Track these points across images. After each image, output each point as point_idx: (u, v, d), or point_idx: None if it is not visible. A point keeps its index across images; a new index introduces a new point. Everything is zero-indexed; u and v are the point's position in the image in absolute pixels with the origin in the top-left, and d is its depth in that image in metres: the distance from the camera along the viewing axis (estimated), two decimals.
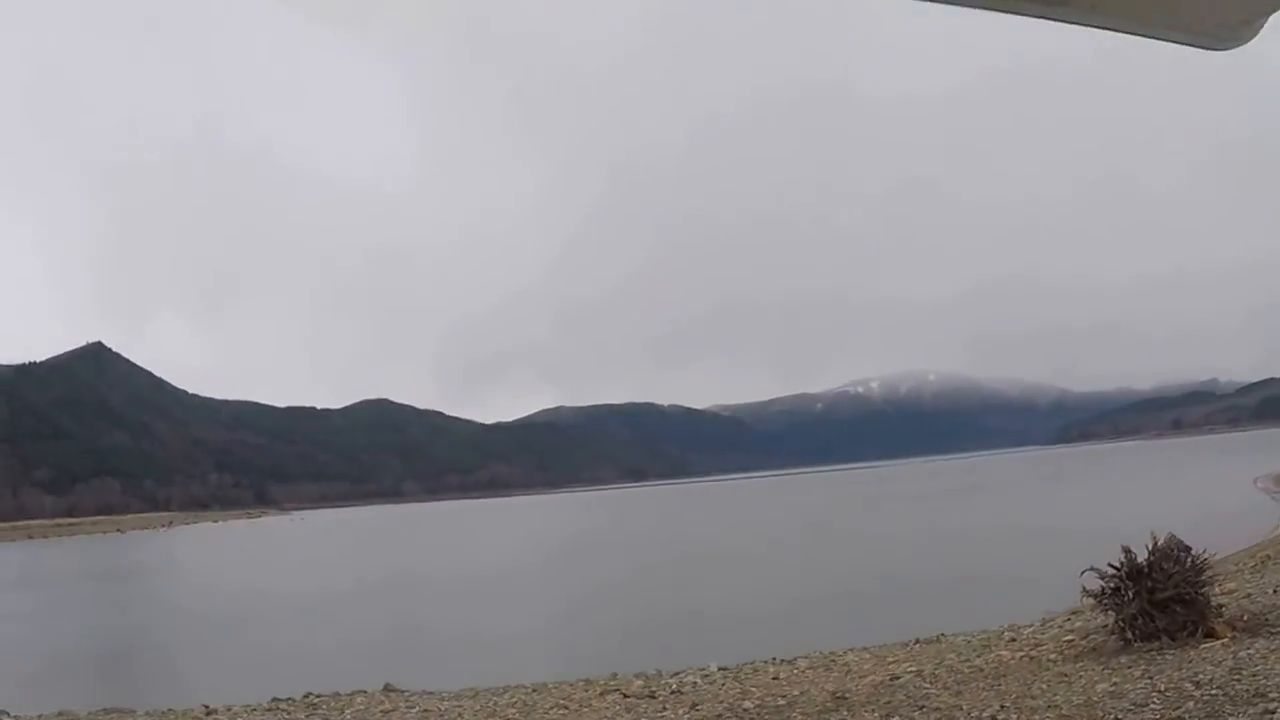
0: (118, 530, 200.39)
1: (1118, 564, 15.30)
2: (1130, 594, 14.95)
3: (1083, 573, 15.49)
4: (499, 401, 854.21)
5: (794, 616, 31.11)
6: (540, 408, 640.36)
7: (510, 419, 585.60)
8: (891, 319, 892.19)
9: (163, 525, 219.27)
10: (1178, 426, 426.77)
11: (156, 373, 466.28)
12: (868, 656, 19.46)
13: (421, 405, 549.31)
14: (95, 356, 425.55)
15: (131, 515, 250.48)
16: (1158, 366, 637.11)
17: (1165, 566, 14.92)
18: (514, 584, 50.47)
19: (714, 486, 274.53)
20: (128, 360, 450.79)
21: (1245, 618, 15.29)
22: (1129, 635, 14.95)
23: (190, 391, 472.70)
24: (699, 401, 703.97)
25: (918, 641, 20.61)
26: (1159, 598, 14.67)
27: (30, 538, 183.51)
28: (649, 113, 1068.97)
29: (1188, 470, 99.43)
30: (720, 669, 19.42)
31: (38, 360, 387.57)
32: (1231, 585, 18.30)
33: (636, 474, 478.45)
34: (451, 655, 29.45)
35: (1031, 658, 15.99)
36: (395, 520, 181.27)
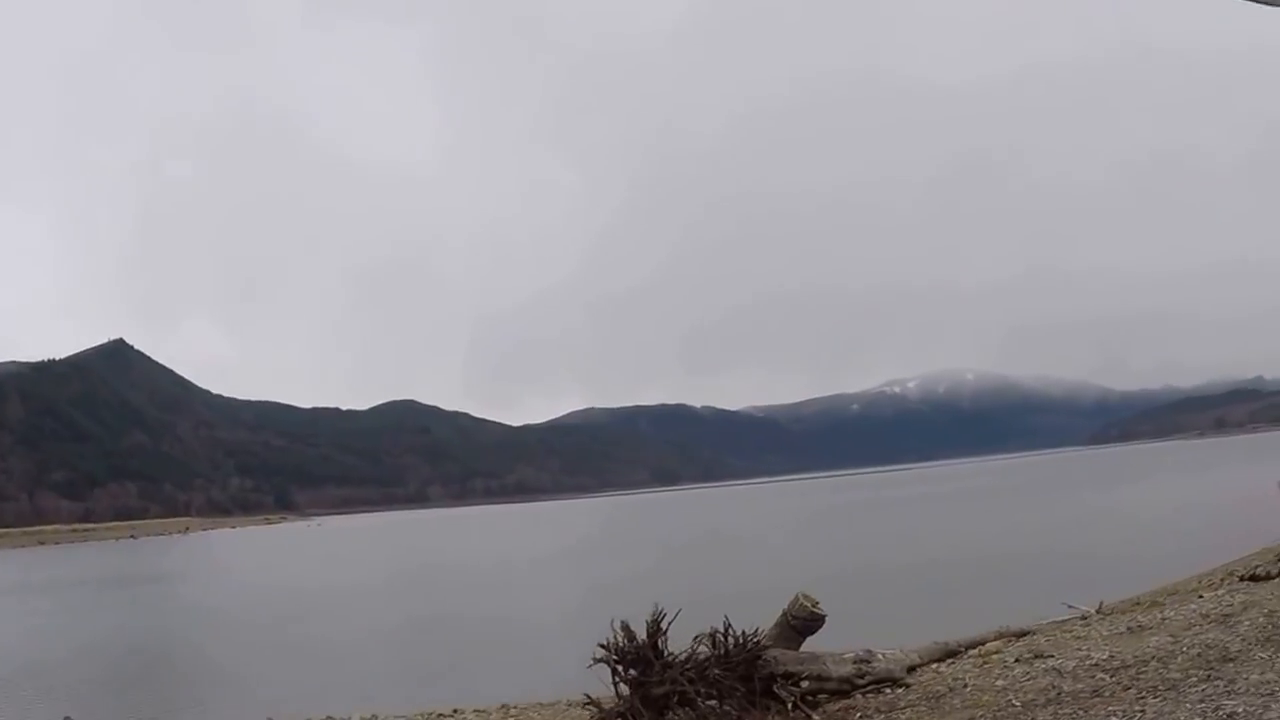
0: (131, 536, 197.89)
1: (610, 644, 12.59)
2: (624, 682, 12.47)
3: (593, 663, 12.61)
4: (528, 402, 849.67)
5: None
6: (570, 409, 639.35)
7: (539, 421, 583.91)
8: (930, 311, 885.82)
9: (178, 531, 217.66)
10: (1221, 425, 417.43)
11: (179, 371, 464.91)
12: None
13: (449, 406, 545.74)
14: (117, 354, 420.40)
15: (148, 520, 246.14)
16: (1203, 362, 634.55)
17: (673, 652, 12.47)
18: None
19: (750, 490, 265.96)
20: (149, 358, 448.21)
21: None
22: None
23: (214, 391, 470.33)
24: (733, 403, 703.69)
25: None
26: (655, 694, 12.20)
27: (42, 543, 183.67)
28: (686, 104, 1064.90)
29: (1215, 473, 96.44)
30: None
31: (58, 358, 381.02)
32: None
33: (669, 477, 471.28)
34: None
35: None
36: (416, 528, 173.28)
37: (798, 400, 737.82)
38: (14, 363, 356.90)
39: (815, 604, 13.54)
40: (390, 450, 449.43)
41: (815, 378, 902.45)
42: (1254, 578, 19.23)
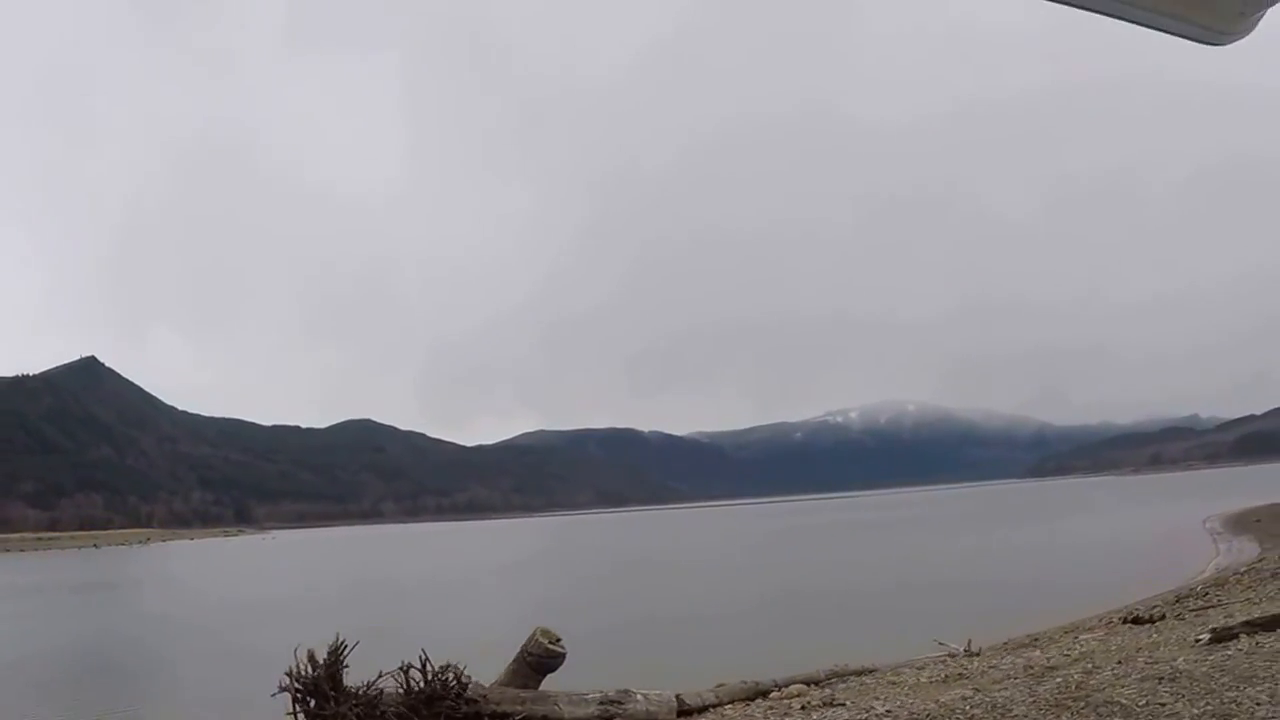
0: (94, 545, 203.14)
1: (293, 672, 12.27)
2: (305, 713, 12.07)
3: (277, 691, 12.35)
4: (481, 424, 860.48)
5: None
6: (521, 431, 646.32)
7: (491, 441, 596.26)
8: (872, 343, 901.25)
9: (139, 541, 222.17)
10: (1157, 462, 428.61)
11: (147, 388, 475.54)
12: None
13: (404, 426, 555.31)
14: (88, 370, 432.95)
15: (111, 531, 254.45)
16: (1140, 398, 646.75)
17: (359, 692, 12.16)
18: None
19: (693, 513, 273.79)
20: (119, 375, 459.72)
21: None
22: None
23: (179, 408, 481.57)
24: (680, 428, 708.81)
25: None
26: None
27: (6, 551, 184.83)
28: (637, 137, 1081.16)
29: (1147, 508, 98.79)
30: None
31: (31, 373, 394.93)
32: None
33: (616, 499, 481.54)
34: None
35: None
36: (366, 541, 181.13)
37: (743, 427, 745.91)
38: None
39: (554, 640, 13.28)
40: (346, 467, 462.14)
41: (760, 406, 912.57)
42: (1135, 620, 20.16)
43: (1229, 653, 12.76)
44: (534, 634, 13.29)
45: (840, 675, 16.61)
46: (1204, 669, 11.66)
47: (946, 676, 14.91)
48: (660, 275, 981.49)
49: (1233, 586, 25.92)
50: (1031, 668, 14.16)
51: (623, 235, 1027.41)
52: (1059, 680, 12.36)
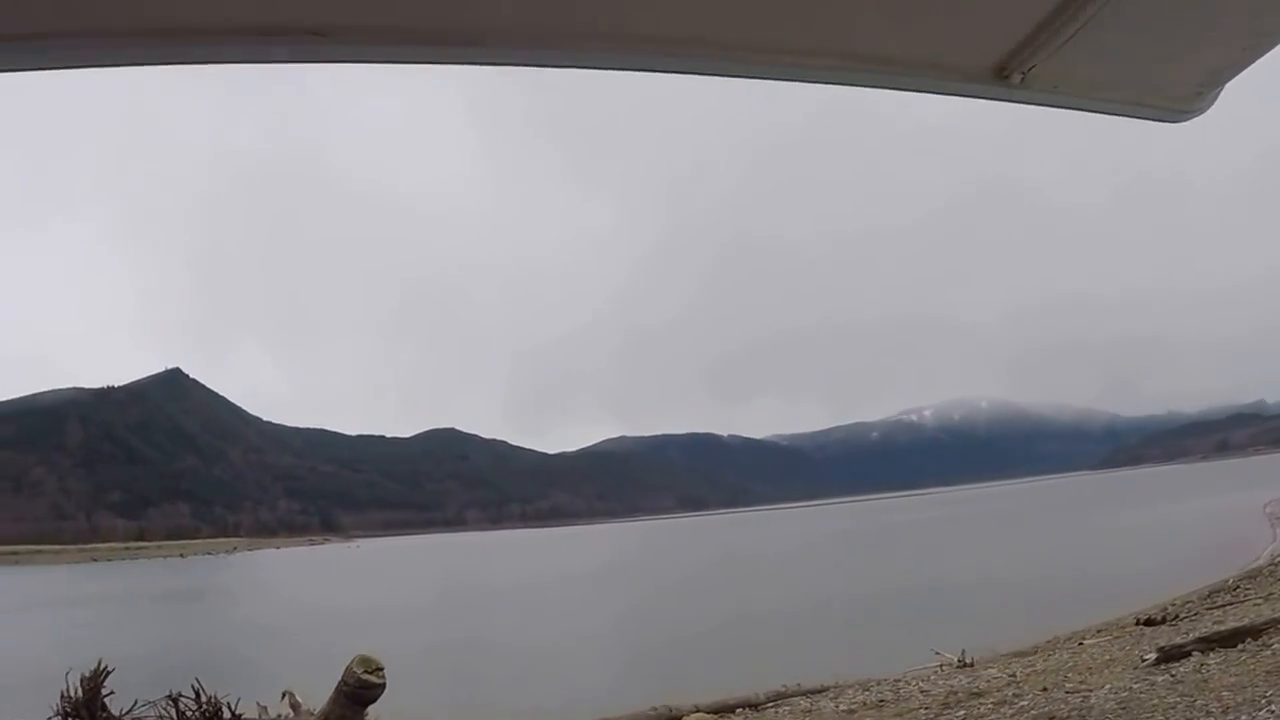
0: (180, 555, 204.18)
1: (64, 696, 12.33)
2: None
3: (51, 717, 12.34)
4: (562, 431, 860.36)
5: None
6: (603, 437, 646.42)
7: (573, 448, 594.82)
8: (943, 342, 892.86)
9: (225, 550, 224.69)
10: (1224, 448, 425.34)
11: (232, 399, 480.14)
12: None
13: (487, 434, 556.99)
14: (173, 382, 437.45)
15: (197, 540, 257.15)
16: (1206, 387, 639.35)
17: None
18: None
19: (773, 514, 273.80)
20: (204, 386, 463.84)
21: None
22: None
23: (265, 419, 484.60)
24: (758, 431, 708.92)
25: None
26: None
27: (95, 560, 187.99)
28: (708, 147, 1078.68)
29: (1211, 494, 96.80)
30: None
31: (117, 385, 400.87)
32: None
33: (696, 503, 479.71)
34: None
35: None
36: (452, 548, 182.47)
37: (819, 429, 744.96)
38: (76, 389, 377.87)
39: (373, 669, 12.55)
40: (431, 476, 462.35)
41: (836, 407, 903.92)
42: (1149, 622, 20.30)
43: (1160, 678, 12.74)
44: (351, 663, 12.42)
45: (785, 696, 16.54)
46: (1118, 699, 11.74)
47: (879, 700, 14.76)
48: (734, 282, 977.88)
49: (1265, 579, 25.44)
50: (953, 692, 14.16)
51: (697, 244, 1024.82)
52: (961, 715, 12.54)
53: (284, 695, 13.84)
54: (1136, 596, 27.57)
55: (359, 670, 12.28)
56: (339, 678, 12.47)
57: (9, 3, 1.61)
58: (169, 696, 12.11)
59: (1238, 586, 24.71)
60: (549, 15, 2.00)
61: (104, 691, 12.00)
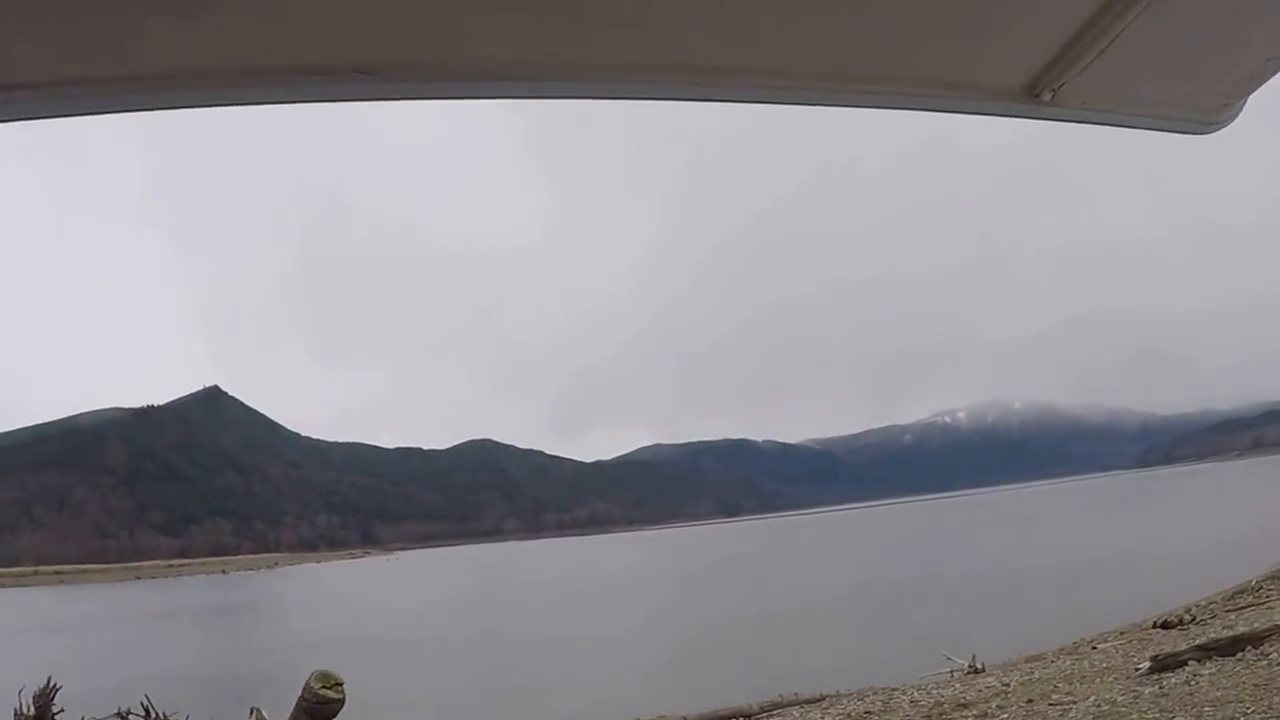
0: (222, 571, 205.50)
1: (16, 712, 12.01)
2: None
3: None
4: (597, 440, 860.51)
5: None
6: (637, 445, 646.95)
7: (608, 457, 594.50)
8: (976, 346, 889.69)
9: (266, 566, 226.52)
10: (1258, 445, 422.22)
11: (270, 415, 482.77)
12: None
13: (523, 445, 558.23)
14: (212, 400, 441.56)
15: (239, 556, 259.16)
16: (1238, 386, 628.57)
17: None
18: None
19: (808, 519, 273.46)
20: (242, 403, 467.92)
21: None
22: None
23: (303, 434, 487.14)
24: (791, 436, 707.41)
25: None
26: None
27: (138, 578, 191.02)
28: (745, 172, 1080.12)
29: (1245, 493, 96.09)
30: None
31: (157, 404, 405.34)
32: None
33: (731, 509, 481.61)
34: None
35: None
36: (490, 558, 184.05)
37: (853, 432, 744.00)
38: (117, 409, 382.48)
39: (331, 684, 12.36)
40: (469, 487, 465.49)
41: (869, 410, 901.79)
42: (1166, 625, 20.10)
43: (1149, 689, 12.48)
44: (310, 678, 12.21)
45: (779, 706, 16.49)
46: (1097, 712, 11.59)
47: (851, 714, 14.71)
48: (767, 289, 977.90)
49: None
50: (939, 704, 14.03)
51: (734, 253, 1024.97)
52: None
53: (252, 711, 13.92)
54: (1165, 597, 27.26)
55: (317, 685, 12.12)
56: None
57: (70, 52, 1.68)
58: (118, 714, 12.01)
59: (1260, 587, 24.20)
60: (596, 51, 2.01)
61: (54, 709, 12.02)
